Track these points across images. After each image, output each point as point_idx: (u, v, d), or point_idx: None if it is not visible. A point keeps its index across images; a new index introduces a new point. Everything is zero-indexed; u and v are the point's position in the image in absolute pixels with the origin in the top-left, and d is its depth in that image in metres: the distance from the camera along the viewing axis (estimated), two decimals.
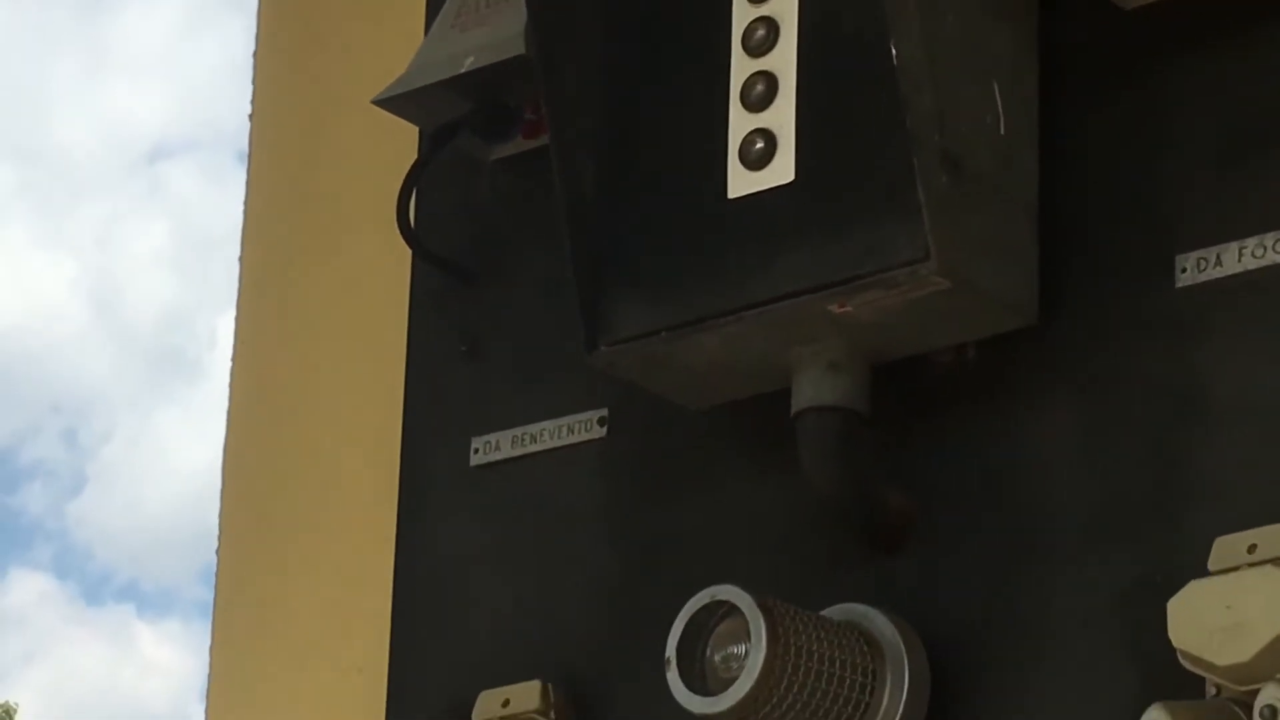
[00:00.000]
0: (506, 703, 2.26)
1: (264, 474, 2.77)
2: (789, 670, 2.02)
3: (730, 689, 2.02)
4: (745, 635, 2.02)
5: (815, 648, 2.04)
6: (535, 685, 2.26)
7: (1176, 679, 1.94)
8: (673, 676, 2.05)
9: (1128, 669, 2.00)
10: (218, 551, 2.77)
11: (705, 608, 2.05)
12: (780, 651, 2.02)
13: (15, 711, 24.86)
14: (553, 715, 2.25)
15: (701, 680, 2.05)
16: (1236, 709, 1.90)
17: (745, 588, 2.03)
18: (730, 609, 2.04)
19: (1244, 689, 1.89)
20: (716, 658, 2.06)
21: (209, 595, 2.78)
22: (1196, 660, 1.91)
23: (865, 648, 2.09)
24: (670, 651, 2.06)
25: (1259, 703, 1.86)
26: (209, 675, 2.75)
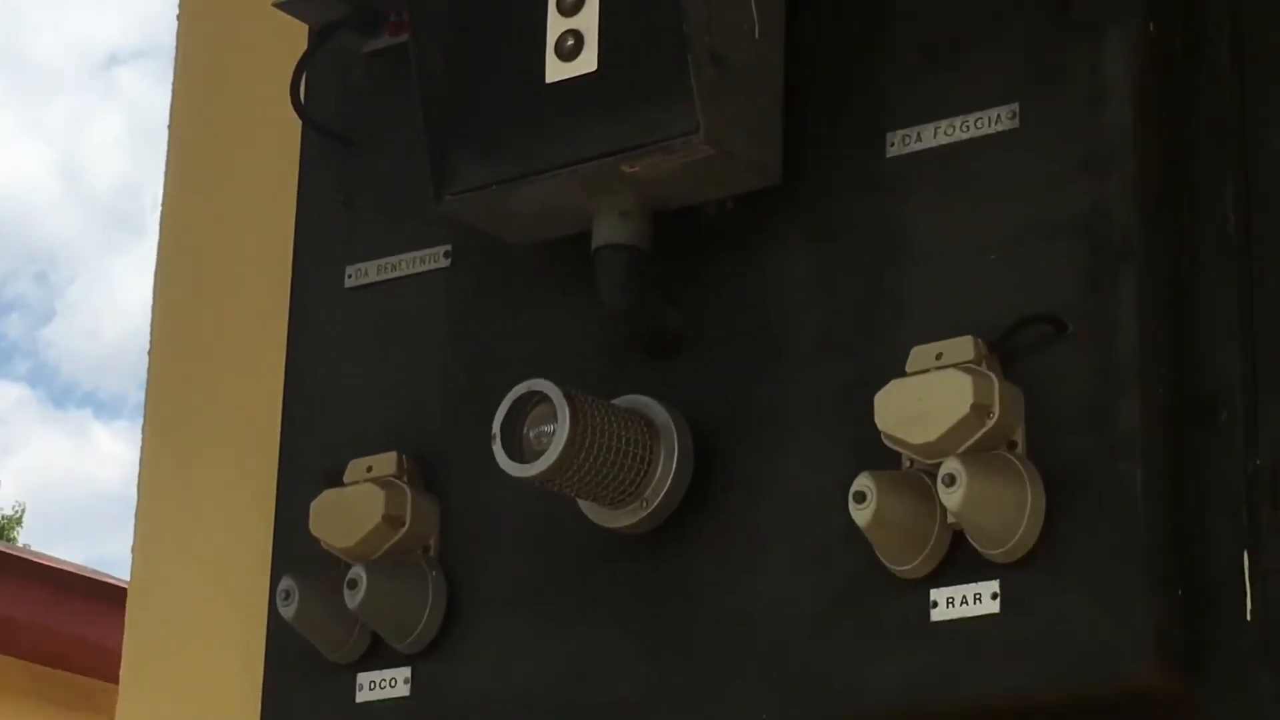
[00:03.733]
0: (370, 469, 2.26)
1: (187, 304, 2.76)
2: (586, 444, 2.05)
3: (541, 458, 2.05)
4: (553, 418, 2.05)
5: (607, 427, 2.07)
6: (392, 455, 2.26)
7: (881, 455, 1.97)
8: (497, 449, 2.08)
9: (845, 448, 2.03)
10: (149, 367, 2.77)
11: (523, 396, 2.07)
12: (580, 430, 2.04)
13: (23, 510, 24.60)
14: (406, 478, 2.25)
15: (519, 452, 2.08)
16: (924, 477, 1.94)
17: (555, 381, 2.06)
18: (542, 397, 2.06)
19: (930, 462, 1.93)
20: (531, 434, 2.08)
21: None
22: (896, 440, 1.95)
23: (645, 430, 2.11)
24: (495, 429, 2.08)
25: (941, 472, 1.89)
26: (140, 459, 2.75)
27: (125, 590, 2.76)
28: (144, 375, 2.78)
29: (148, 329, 2.78)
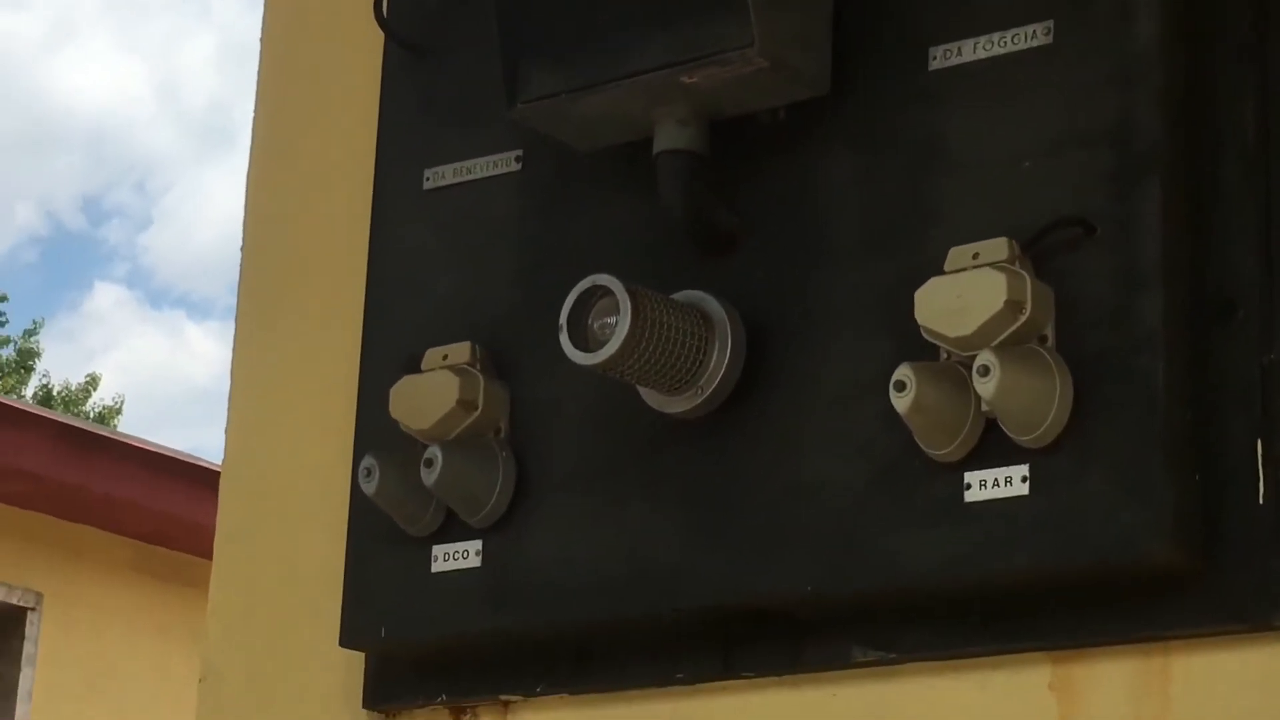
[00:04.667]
0: (445, 357, 2.29)
1: (276, 212, 2.77)
2: (646, 335, 2.07)
3: (604, 347, 2.07)
4: (616, 310, 2.07)
5: (665, 319, 2.09)
6: (466, 345, 2.29)
7: (920, 348, 1.99)
8: (564, 338, 2.10)
9: (887, 341, 2.04)
10: (240, 271, 2.79)
11: (588, 290, 2.09)
12: (640, 322, 2.07)
13: (122, 402, 24.71)
14: (478, 366, 2.28)
15: (584, 342, 2.10)
16: (960, 368, 1.95)
17: (617, 277, 2.08)
18: (606, 291, 2.08)
19: (966, 354, 1.94)
20: (595, 326, 2.10)
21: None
22: (934, 334, 1.96)
23: (701, 322, 2.13)
24: (562, 320, 2.10)
25: (976, 363, 1.90)
26: (233, 349, 2.78)
27: (218, 473, 2.79)
28: (234, 279, 2.79)
29: (237, 236, 2.80)
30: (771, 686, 2.14)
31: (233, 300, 2.80)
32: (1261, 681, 1.88)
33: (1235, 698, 1.89)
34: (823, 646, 2.09)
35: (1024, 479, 1.93)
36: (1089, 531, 1.89)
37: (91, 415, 26.18)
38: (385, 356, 2.38)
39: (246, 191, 2.82)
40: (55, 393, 27.92)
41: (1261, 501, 1.89)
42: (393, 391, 2.30)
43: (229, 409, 2.74)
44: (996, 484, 1.94)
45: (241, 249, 2.80)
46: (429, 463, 2.22)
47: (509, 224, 2.35)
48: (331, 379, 2.54)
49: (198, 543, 6.80)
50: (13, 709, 8.01)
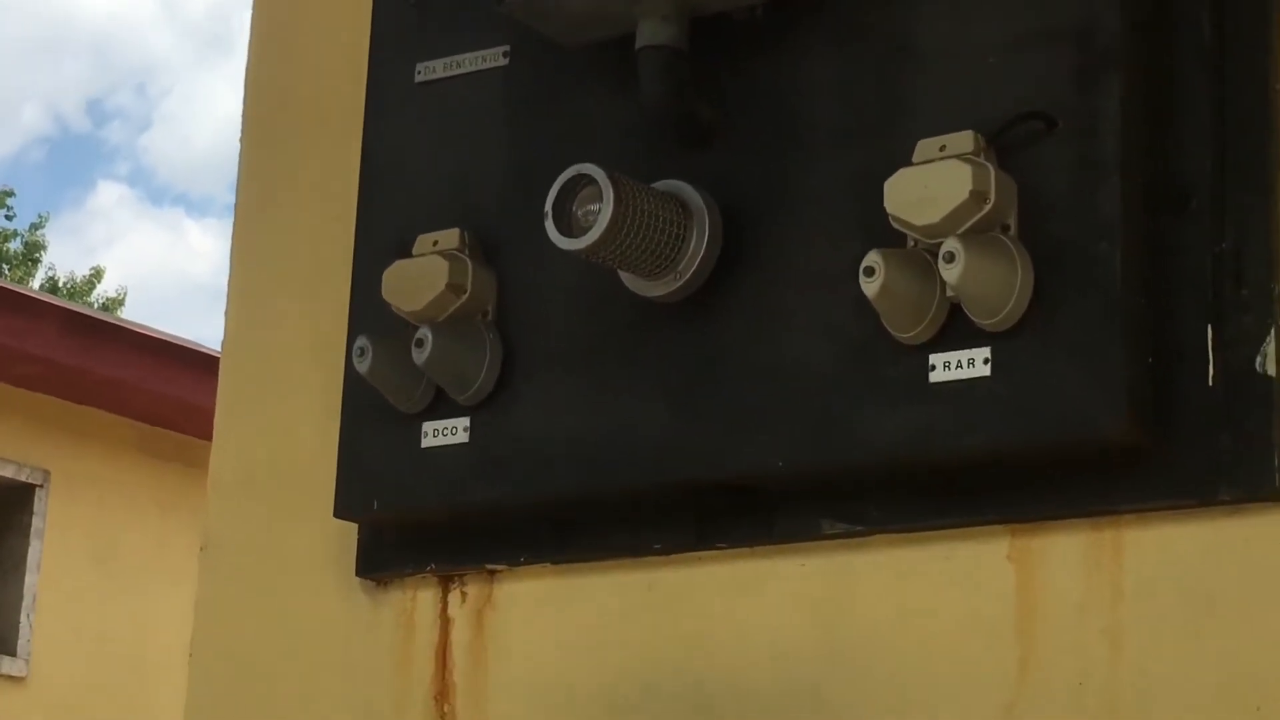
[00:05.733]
0: (435, 242, 2.27)
1: (274, 105, 2.74)
2: (627, 221, 2.05)
3: (588, 233, 2.05)
4: (599, 197, 2.04)
5: (645, 206, 2.07)
6: (455, 231, 2.26)
7: (888, 236, 1.97)
8: (549, 225, 2.07)
9: (857, 229, 2.02)
10: (240, 161, 2.76)
11: (573, 178, 2.06)
12: (622, 208, 2.04)
13: (125, 294, 24.65)
14: (467, 252, 2.25)
15: (569, 228, 2.07)
16: (927, 255, 1.93)
17: (601, 166, 2.05)
18: (590, 180, 2.05)
19: (932, 241, 1.92)
20: (579, 213, 2.07)
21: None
22: (902, 222, 1.94)
23: (679, 209, 2.10)
24: (548, 207, 2.07)
25: (942, 250, 1.88)
26: (232, 236, 2.75)
27: (218, 358, 2.77)
28: (232, 179, 2.76)
29: (235, 138, 2.77)
30: (743, 557, 2.13)
31: (230, 199, 2.78)
32: (1208, 552, 1.87)
33: (1183, 567, 1.88)
34: (793, 519, 2.08)
35: (986, 361, 1.91)
36: (1047, 410, 1.88)
37: (96, 306, 26.11)
38: (378, 242, 2.35)
39: (245, 85, 2.79)
40: (61, 285, 27.85)
41: (1211, 383, 1.88)
42: (385, 275, 2.28)
43: (229, 291, 2.71)
44: (960, 365, 1.92)
45: (241, 140, 2.77)
46: (419, 343, 2.20)
47: (497, 116, 2.32)
48: (327, 264, 2.52)
49: (198, 425, 6.79)
50: (21, 579, 8.03)
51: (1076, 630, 1.92)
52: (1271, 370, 1.85)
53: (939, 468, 1.97)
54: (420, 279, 2.25)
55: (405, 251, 2.29)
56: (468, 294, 2.24)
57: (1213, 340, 1.88)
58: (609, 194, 2.03)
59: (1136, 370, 1.86)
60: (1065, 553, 1.94)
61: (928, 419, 1.93)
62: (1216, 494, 1.86)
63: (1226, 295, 1.89)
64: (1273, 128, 1.91)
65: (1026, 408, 1.88)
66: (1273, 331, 1.86)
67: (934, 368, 1.94)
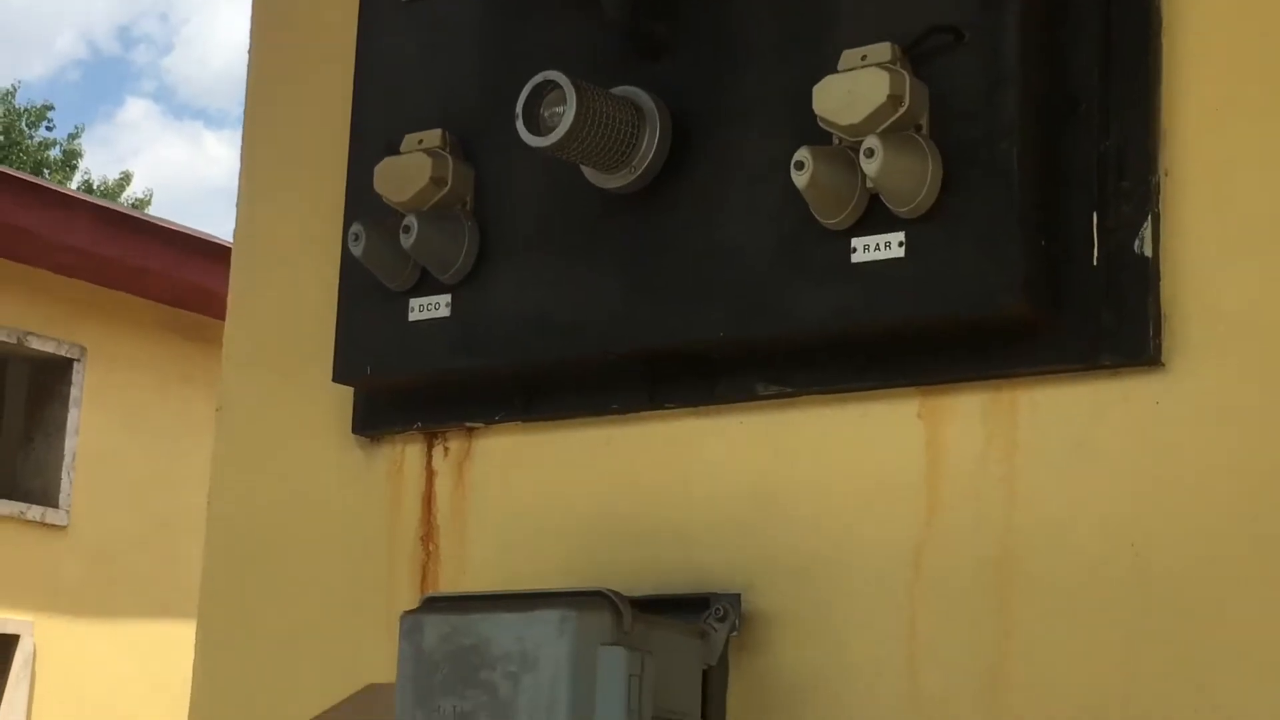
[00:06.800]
0: (420, 141, 2.25)
1: (276, 31, 2.71)
2: (588, 121, 2.03)
3: (553, 132, 2.03)
4: (563, 100, 2.02)
5: (604, 109, 2.05)
6: (438, 131, 2.24)
7: (817, 135, 1.95)
8: (520, 125, 2.05)
9: (789, 129, 1.99)
10: (248, 72, 2.73)
11: (540, 84, 2.04)
12: (584, 110, 2.02)
13: (151, 195, 24.39)
14: (448, 149, 2.23)
15: (537, 128, 2.05)
16: (850, 151, 1.91)
17: (565, 73, 2.03)
18: (555, 85, 2.03)
19: (854, 140, 1.90)
20: (546, 114, 2.05)
21: None
22: (828, 122, 1.92)
23: (634, 112, 2.08)
24: (518, 109, 2.05)
25: (863, 146, 1.87)
26: (242, 141, 2.72)
27: (231, 249, 2.75)
28: (244, 93, 2.73)
29: (247, 58, 2.74)
30: (689, 416, 2.12)
31: (243, 113, 2.75)
32: (1092, 410, 1.87)
33: (1070, 423, 1.88)
34: (732, 383, 2.07)
35: (900, 244, 1.90)
36: (953, 288, 1.87)
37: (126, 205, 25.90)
38: (370, 141, 2.33)
39: (252, 9, 2.76)
40: (95, 187, 27.62)
41: (1095, 264, 1.87)
42: (376, 170, 2.25)
43: (239, 188, 2.69)
44: (878, 248, 1.91)
45: (249, 57, 2.73)
46: (406, 229, 2.19)
47: (474, 31, 2.29)
48: (324, 162, 2.49)
49: (214, 307, 6.75)
50: (62, 441, 8.00)
51: (977, 479, 1.92)
52: (1148, 252, 1.85)
53: (859, 337, 1.96)
54: (407, 173, 2.23)
55: (393, 149, 2.26)
56: (448, 186, 2.22)
57: (1098, 226, 1.87)
58: (571, 98, 2.00)
59: (1031, 253, 1.86)
60: (968, 412, 1.94)
61: (850, 295, 1.92)
62: (1099, 359, 1.86)
63: (1110, 187, 1.88)
64: (1151, 42, 1.89)
65: (935, 285, 1.87)
66: (1149, 218, 1.86)
67: (855, 250, 1.92)
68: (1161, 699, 1.78)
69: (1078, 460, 1.87)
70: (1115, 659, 1.81)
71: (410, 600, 2.25)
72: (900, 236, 1.90)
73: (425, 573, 2.31)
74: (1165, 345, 1.84)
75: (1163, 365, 1.84)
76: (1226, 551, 1.78)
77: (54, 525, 7.89)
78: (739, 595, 2.01)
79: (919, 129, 1.91)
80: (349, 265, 2.31)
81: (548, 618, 1.80)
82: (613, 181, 2.10)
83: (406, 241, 2.18)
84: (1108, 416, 1.86)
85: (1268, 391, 1.79)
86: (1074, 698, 1.83)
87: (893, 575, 1.95)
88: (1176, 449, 1.82)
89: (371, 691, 2.28)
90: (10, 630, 7.73)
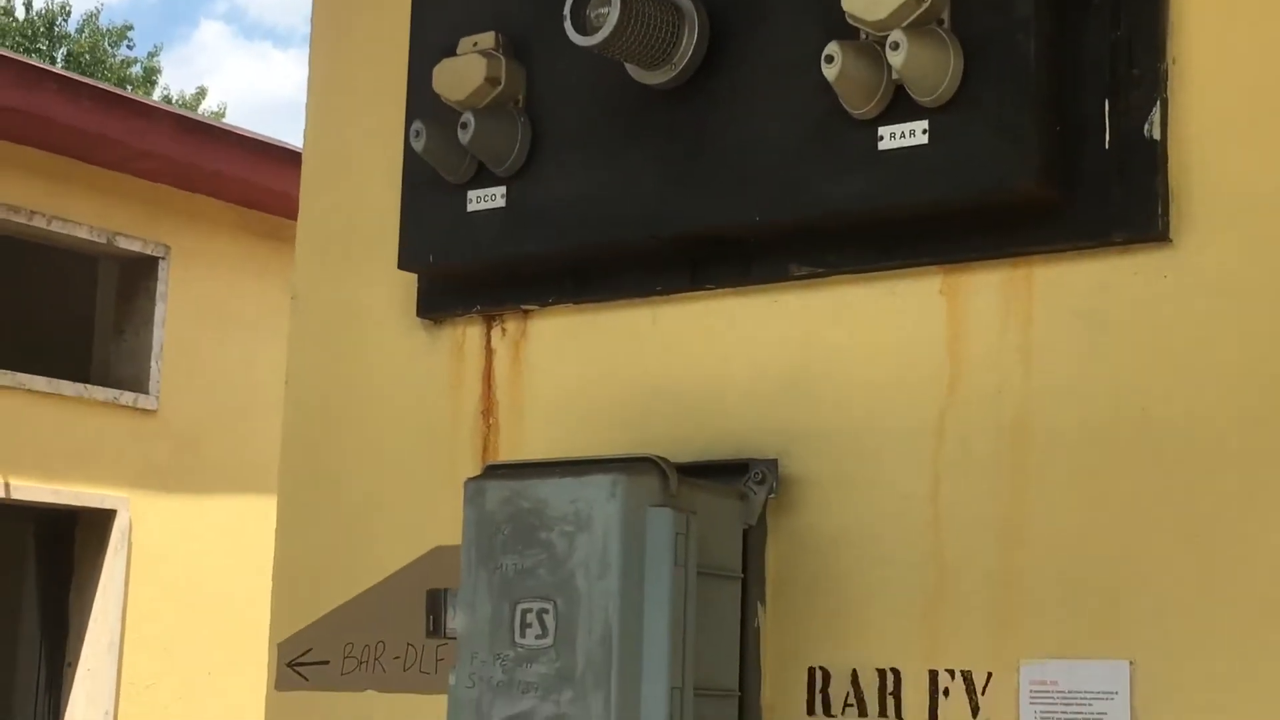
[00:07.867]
0: (475, 44, 2.23)
1: None
2: (631, 22, 2.00)
3: (599, 31, 2.00)
4: (609, 2, 2.00)
5: (647, 10, 2.02)
6: (492, 34, 2.22)
7: (846, 31, 1.92)
8: (568, 26, 2.03)
9: (820, 26, 1.96)
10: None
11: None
12: (626, 11, 2.00)
13: (225, 109, 24.33)
14: (501, 51, 2.21)
15: (584, 28, 2.03)
16: (876, 45, 1.89)
17: None
18: None
19: (881, 34, 1.87)
20: (593, 15, 2.03)
21: None
22: (856, 18, 1.89)
23: (675, 11, 2.06)
24: (566, 11, 2.03)
25: (889, 40, 1.84)
26: (309, 56, 2.68)
27: (301, 154, 2.73)
28: (309, 13, 2.70)
29: None
30: (728, 295, 2.11)
31: (309, 31, 2.72)
32: (1104, 284, 1.85)
33: (1083, 296, 1.86)
34: (767, 264, 2.06)
35: (924, 131, 1.87)
36: (974, 171, 1.84)
37: None
38: (428, 44, 2.31)
39: None
40: (174, 100, 27.57)
41: (1107, 147, 1.84)
42: (435, 71, 2.23)
43: (308, 91, 2.66)
44: (903, 135, 1.89)
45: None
46: (464, 125, 2.17)
47: None
48: (387, 66, 2.47)
49: (287, 207, 6.73)
50: (150, 333, 8.02)
51: (996, 349, 1.91)
52: (1157, 135, 1.82)
53: (885, 220, 1.94)
54: (463, 73, 2.20)
55: (450, 51, 2.24)
56: (502, 85, 2.20)
57: (1109, 111, 1.84)
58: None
59: (1046, 138, 1.83)
60: (987, 287, 1.92)
61: (877, 180, 1.90)
62: (1111, 236, 1.84)
63: (1121, 75, 1.85)
64: None
65: (957, 169, 1.85)
66: (1158, 103, 1.82)
67: (882, 138, 1.90)
68: (1165, 550, 1.78)
69: (1090, 330, 1.85)
70: (1124, 514, 1.80)
71: (473, 469, 2.26)
72: (924, 124, 1.87)
73: (486, 444, 2.31)
74: (1173, 222, 1.81)
75: (1170, 241, 1.81)
76: (1228, 411, 1.76)
77: (145, 410, 7.93)
78: (776, 460, 2.00)
79: (941, 23, 1.87)
80: (411, 161, 2.30)
81: (600, 481, 1.80)
82: (655, 78, 2.08)
83: (464, 137, 2.17)
84: (1118, 289, 1.84)
85: (1268, 265, 1.76)
86: (1086, 550, 1.82)
87: (917, 440, 1.94)
88: (1183, 319, 1.80)
89: (438, 554, 2.29)
90: (109, 505, 7.80)
